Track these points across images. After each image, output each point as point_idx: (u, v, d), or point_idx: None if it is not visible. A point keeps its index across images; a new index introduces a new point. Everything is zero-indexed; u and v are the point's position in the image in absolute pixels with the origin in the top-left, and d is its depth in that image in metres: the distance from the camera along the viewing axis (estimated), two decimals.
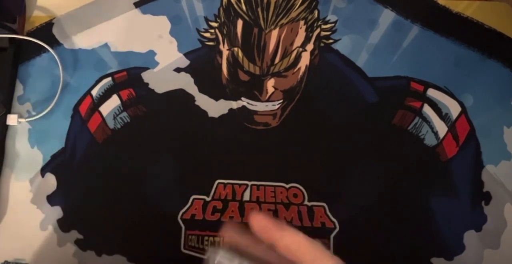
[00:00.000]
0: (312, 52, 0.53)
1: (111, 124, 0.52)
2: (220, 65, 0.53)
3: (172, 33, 0.54)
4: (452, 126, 0.50)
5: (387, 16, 0.53)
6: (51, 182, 0.51)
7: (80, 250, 0.49)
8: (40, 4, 0.56)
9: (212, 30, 0.54)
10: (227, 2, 0.54)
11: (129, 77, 0.53)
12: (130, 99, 0.53)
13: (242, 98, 0.52)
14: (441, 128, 0.50)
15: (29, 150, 0.52)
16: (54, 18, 0.55)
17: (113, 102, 0.53)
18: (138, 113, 0.52)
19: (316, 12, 0.53)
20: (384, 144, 0.50)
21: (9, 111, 0.53)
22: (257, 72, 0.52)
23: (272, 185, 0.50)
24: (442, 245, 0.48)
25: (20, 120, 0.52)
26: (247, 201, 0.49)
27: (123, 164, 0.51)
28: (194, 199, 0.50)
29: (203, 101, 0.52)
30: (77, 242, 0.50)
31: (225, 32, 0.54)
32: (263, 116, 0.51)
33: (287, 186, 0.50)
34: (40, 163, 0.52)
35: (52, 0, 0.56)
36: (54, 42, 0.54)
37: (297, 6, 0.53)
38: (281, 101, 0.52)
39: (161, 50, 0.54)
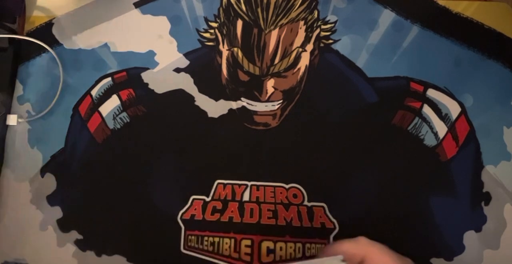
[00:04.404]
0: (312, 52, 0.53)
1: (110, 124, 0.52)
2: (220, 65, 0.53)
3: (172, 33, 0.54)
4: (452, 126, 0.50)
5: (387, 16, 0.53)
6: (50, 182, 0.51)
7: (80, 250, 0.49)
8: (40, 4, 0.56)
9: (212, 31, 0.54)
10: (227, 3, 0.54)
11: (129, 77, 0.53)
12: (129, 99, 0.53)
13: (242, 99, 0.52)
14: (441, 129, 0.50)
15: (29, 150, 0.52)
16: (54, 18, 0.55)
17: (113, 102, 0.53)
18: (138, 113, 0.52)
19: (316, 12, 0.53)
20: (384, 144, 0.50)
21: (9, 111, 0.53)
22: (257, 73, 0.52)
23: (271, 185, 0.50)
24: (442, 245, 0.48)
25: (20, 120, 0.52)
26: (246, 201, 0.49)
27: (123, 164, 0.51)
28: (193, 199, 0.50)
29: (203, 101, 0.52)
30: (76, 242, 0.50)
31: (225, 32, 0.54)
32: (263, 117, 0.51)
33: (287, 186, 0.50)
34: (39, 163, 0.52)
35: (52, 0, 0.56)
36: (54, 42, 0.55)
37: (296, 7, 0.53)
38: (280, 101, 0.52)
39: (160, 50, 0.54)
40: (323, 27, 0.53)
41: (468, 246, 0.47)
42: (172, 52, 0.53)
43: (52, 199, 0.51)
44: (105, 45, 0.54)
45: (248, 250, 0.48)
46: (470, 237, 0.48)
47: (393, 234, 0.48)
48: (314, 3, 0.54)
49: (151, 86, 0.53)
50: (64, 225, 0.50)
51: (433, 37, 0.52)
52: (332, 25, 0.53)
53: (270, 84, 0.52)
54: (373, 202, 0.49)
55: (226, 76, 0.53)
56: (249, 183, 0.50)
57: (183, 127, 0.52)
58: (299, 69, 0.52)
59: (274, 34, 0.52)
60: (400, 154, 0.50)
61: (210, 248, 0.49)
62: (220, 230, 0.49)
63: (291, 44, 0.52)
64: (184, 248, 0.49)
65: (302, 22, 0.53)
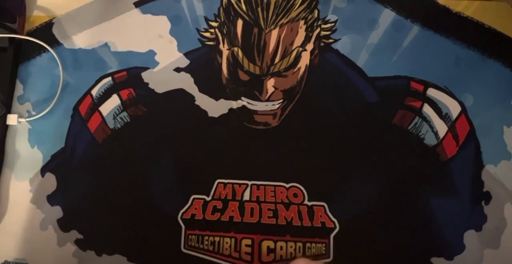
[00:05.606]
0: (312, 52, 0.53)
1: (111, 124, 0.52)
2: (220, 65, 0.53)
3: (172, 33, 0.54)
4: (452, 125, 0.50)
5: (387, 16, 0.53)
6: (51, 182, 0.51)
7: (80, 250, 0.49)
8: (40, 4, 0.56)
9: (212, 30, 0.54)
10: (227, 2, 0.54)
11: (129, 77, 0.53)
12: (130, 99, 0.53)
13: (242, 98, 0.52)
14: (441, 128, 0.50)
15: (29, 150, 0.52)
16: (54, 18, 0.55)
17: (113, 102, 0.53)
18: (138, 113, 0.52)
19: (316, 11, 0.53)
20: (384, 144, 0.50)
21: (9, 111, 0.53)
22: (257, 72, 0.52)
23: (272, 184, 0.50)
24: (442, 245, 0.48)
25: (20, 120, 0.52)
26: (247, 201, 0.49)
27: (123, 164, 0.51)
28: (194, 198, 0.50)
29: (203, 101, 0.52)
30: (77, 242, 0.50)
31: (225, 32, 0.54)
32: (263, 116, 0.51)
33: (287, 185, 0.50)
34: (40, 163, 0.52)
35: (52, 0, 0.56)
36: (54, 42, 0.55)
37: (297, 6, 0.53)
38: (281, 101, 0.52)
39: (161, 50, 0.54)
40: (323, 26, 0.53)
41: (468, 245, 0.47)
42: (172, 52, 0.53)
43: (52, 199, 0.51)
44: (105, 44, 0.54)
45: (249, 250, 0.48)
46: (470, 237, 0.48)
47: (393, 234, 0.48)
48: (314, 3, 0.54)
49: (151, 86, 0.53)
50: (64, 225, 0.50)
51: (433, 37, 0.52)
52: (332, 24, 0.53)
53: (270, 84, 0.52)
54: (373, 201, 0.49)
55: (226, 75, 0.53)
56: (250, 183, 0.50)
57: (183, 127, 0.52)
58: (299, 68, 0.52)
59: (274, 33, 0.52)
60: (400, 154, 0.50)
61: (211, 248, 0.49)
62: (220, 229, 0.49)
63: (291, 43, 0.52)
64: (185, 248, 0.49)
65: (302, 22, 0.53)
